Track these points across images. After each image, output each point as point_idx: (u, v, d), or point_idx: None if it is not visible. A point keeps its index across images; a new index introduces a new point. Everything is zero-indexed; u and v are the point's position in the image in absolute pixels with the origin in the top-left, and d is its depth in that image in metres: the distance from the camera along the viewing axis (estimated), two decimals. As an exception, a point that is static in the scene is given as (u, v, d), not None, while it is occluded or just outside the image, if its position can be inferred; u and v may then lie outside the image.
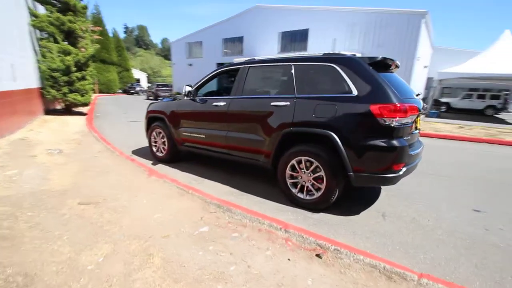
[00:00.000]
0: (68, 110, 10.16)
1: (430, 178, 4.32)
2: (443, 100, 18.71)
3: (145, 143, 6.00)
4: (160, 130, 4.67)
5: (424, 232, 2.66)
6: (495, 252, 2.35)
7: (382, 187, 3.74)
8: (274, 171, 3.33)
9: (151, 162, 4.78)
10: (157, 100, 22.71)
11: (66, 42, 9.10)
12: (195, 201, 3.10)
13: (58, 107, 10.70)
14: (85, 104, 10.44)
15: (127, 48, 43.24)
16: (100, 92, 27.37)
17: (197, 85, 4.17)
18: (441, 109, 16.80)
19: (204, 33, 26.49)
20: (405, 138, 2.70)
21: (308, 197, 3.04)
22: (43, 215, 2.63)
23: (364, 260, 2.04)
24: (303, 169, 3.03)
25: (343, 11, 17.66)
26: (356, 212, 3.05)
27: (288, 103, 3.08)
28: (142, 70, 53.61)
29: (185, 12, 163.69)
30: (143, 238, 2.32)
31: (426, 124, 10.48)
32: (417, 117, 2.99)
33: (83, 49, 9.52)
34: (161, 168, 4.47)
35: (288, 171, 3.14)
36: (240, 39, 23.59)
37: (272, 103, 3.21)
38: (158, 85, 24.69)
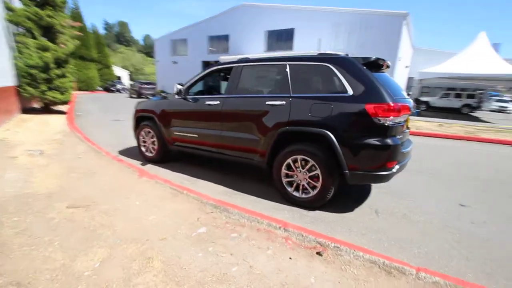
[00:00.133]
0: (47, 109, 9.69)
1: (416, 174, 4.47)
2: (423, 99, 19.46)
3: (131, 143, 5.85)
4: (150, 130, 4.55)
5: (416, 227, 2.76)
6: (482, 245, 2.47)
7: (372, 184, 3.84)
8: (269, 170, 3.33)
9: (140, 162, 4.65)
10: (141, 98, 22.11)
11: (44, 38, 8.65)
12: (191, 202, 3.05)
13: (36, 105, 10.18)
14: (65, 103, 9.99)
15: (107, 44, 41.74)
16: (79, 90, 26.30)
17: (189, 83, 4.09)
18: (421, 107, 17.47)
19: (189, 31, 26.10)
20: (398, 136, 2.78)
21: (304, 196, 3.07)
22: (30, 220, 2.50)
23: (364, 256, 2.08)
24: (298, 168, 3.05)
25: (328, 11, 17.94)
26: (350, 209, 3.11)
27: (284, 102, 3.09)
28: (124, 67, 51.96)
29: (168, 9, 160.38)
30: (140, 241, 2.25)
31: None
32: (408, 116, 3.09)
33: (62, 45, 9.09)
34: (151, 168, 4.36)
35: (284, 170, 3.15)
36: (226, 37, 23.43)
37: (267, 102, 3.20)
38: (141, 83, 24.03)
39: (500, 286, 1.91)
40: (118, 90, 30.49)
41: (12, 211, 2.64)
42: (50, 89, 8.91)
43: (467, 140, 7.91)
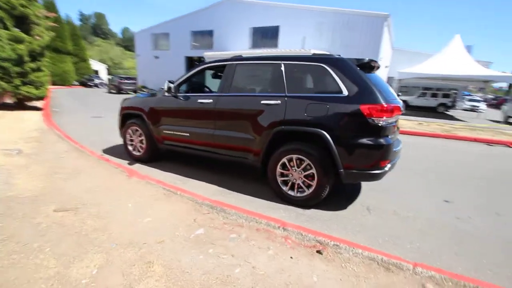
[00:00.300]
0: (20, 105, 9.12)
1: (401, 172, 4.64)
2: (402, 98, 20.19)
3: (115, 141, 5.65)
4: (137, 128, 4.40)
5: (406, 223, 2.87)
6: (469, 239, 2.61)
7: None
8: (263, 169, 3.33)
9: (127, 162, 4.50)
10: (121, 94, 21.32)
11: (18, 29, 8.10)
12: (185, 203, 2.99)
13: (9, 101, 9.54)
14: (41, 98, 9.44)
15: (83, 37, 39.75)
16: (54, 84, 24.93)
17: (179, 81, 3.99)
18: (400, 106, 18.10)
19: (172, 25, 25.43)
20: (390, 136, 2.87)
21: (299, 194, 3.10)
22: (16, 225, 2.35)
23: (363, 253, 2.14)
24: (294, 167, 3.07)
25: (312, 9, 18.12)
26: (343, 207, 3.19)
27: (279, 101, 3.09)
28: (101, 61, 49.79)
29: (149, 2, 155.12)
30: (137, 245, 2.19)
31: (390, 121, 11.22)
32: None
33: (38, 37, 8.55)
34: (140, 168, 4.23)
35: (279, 169, 3.16)
36: (210, 33, 23.05)
37: (263, 102, 3.19)
38: (121, 78, 23.18)
39: (487, 278, 2.03)
40: (96, 85, 29.29)
41: (-6, 216, 2.47)
42: (24, 83, 8.38)
43: (445, 138, 8.32)
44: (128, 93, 21.63)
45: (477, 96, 26.31)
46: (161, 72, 25.68)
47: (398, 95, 3.52)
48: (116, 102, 15.22)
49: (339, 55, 3.15)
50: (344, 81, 2.83)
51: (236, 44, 21.12)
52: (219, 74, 4.23)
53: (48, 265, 1.87)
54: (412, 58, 19.97)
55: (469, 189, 4.03)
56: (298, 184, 3.09)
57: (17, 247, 2.05)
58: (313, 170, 2.94)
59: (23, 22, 8.26)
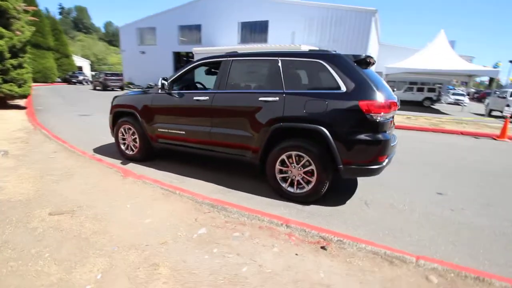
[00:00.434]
0: (2, 104, 8.73)
1: (393, 165, 4.74)
2: (389, 92, 20.56)
3: (105, 139, 5.52)
4: (130, 126, 4.29)
5: (403, 216, 2.94)
6: (463, 230, 2.70)
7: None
8: (262, 167, 3.33)
9: (120, 161, 4.40)
10: (107, 90, 20.77)
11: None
12: (185, 202, 2.95)
13: (-12, 99, 9.11)
14: (24, 96, 9.08)
15: (64, 31, 38.28)
16: (35, 81, 23.95)
17: (173, 78, 3.91)
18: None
19: (158, 19, 24.83)
20: (387, 132, 2.92)
21: (298, 191, 3.11)
22: (10, 231, 2.25)
23: (366, 248, 2.18)
24: (293, 163, 3.08)
25: (301, 4, 18.08)
26: (342, 202, 3.23)
27: (277, 98, 3.08)
28: (84, 56, 48.28)
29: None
30: (140, 247, 2.14)
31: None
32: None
33: (18, 32, 8.16)
34: (134, 167, 4.14)
35: (278, 166, 3.16)
36: (198, 27, 22.68)
37: (260, 98, 3.17)
38: (106, 74, 22.53)
39: (485, 267, 2.11)
40: (80, 82, 28.41)
41: (-14, 222, 2.36)
42: (5, 81, 8.03)
43: (433, 131, 8.55)
44: (115, 90, 21.09)
45: (460, 90, 27.12)
46: (148, 68, 25.15)
47: (393, 91, 3.56)
48: (103, 99, 14.80)
49: (335, 51, 3.16)
50: (342, 77, 2.84)
51: (225, 39, 20.88)
52: (213, 70, 4.18)
53: (49, 272, 1.81)
54: (399, 53, 20.31)
55: (460, 181, 4.16)
56: (298, 180, 3.10)
57: (14, 253, 1.97)
58: (313, 167, 2.96)
59: (2, 16, 7.86)
